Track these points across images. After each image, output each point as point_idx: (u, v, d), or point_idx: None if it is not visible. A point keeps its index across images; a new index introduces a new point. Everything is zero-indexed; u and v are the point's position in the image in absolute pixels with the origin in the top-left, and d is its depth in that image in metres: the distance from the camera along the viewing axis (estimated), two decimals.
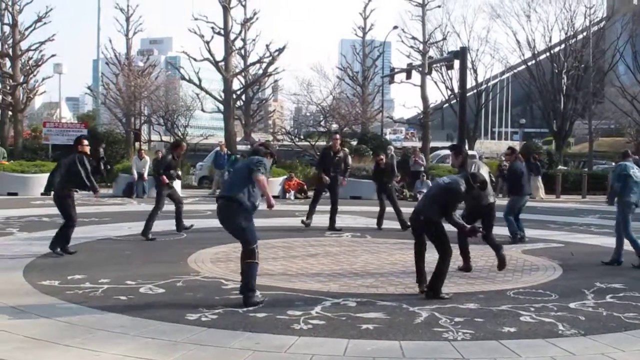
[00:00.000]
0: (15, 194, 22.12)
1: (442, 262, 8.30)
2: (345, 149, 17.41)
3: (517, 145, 41.56)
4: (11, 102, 33.07)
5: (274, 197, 16.62)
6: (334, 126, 37.61)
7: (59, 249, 10.92)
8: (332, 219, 15.26)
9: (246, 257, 7.69)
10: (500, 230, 13.01)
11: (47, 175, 22.01)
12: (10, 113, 34.28)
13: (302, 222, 15.31)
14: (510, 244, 12.90)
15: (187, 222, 14.14)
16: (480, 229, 9.04)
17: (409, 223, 9.98)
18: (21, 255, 10.62)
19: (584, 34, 48.83)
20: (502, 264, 9.66)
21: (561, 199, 27.48)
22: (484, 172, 9.83)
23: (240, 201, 7.64)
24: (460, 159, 10.12)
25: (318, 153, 15.52)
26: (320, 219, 15.53)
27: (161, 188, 13.65)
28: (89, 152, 11.42)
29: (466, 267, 10.07)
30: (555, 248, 12.82)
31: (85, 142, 11.43)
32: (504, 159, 15.09)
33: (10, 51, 33.49)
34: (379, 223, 15.59)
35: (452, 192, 8.38)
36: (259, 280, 8.92)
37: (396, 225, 15.28)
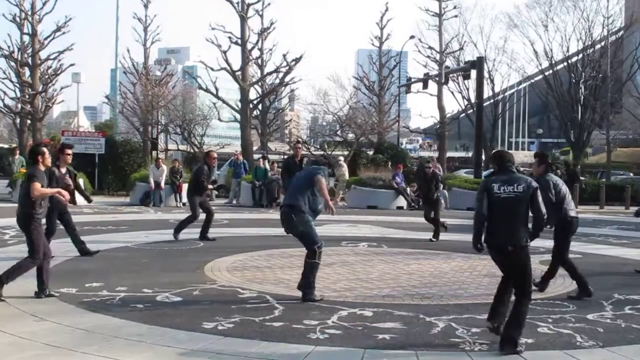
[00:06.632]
0: None
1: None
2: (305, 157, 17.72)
3: None
4: (30, 110, 33.39)
5: None
6: (350, 136, 37.65)
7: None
8: None
9: (307, 257, 8.41)
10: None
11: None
12: (29, 121, 34.62)
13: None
14: None
15: (210, 235, 14.06)
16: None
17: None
18: None
19: (602, 43, 48.64)
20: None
21: (579, 209, 27.24)
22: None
23: (301, 208, 8.34)
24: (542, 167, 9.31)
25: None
26: (336, 229, 15.48)
27: (193, 197, 14.08)
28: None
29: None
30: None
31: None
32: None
33: (29, 60, 33.85)
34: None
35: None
36: (276, 289, 8.99)
37: (413, 235, 15.22)
